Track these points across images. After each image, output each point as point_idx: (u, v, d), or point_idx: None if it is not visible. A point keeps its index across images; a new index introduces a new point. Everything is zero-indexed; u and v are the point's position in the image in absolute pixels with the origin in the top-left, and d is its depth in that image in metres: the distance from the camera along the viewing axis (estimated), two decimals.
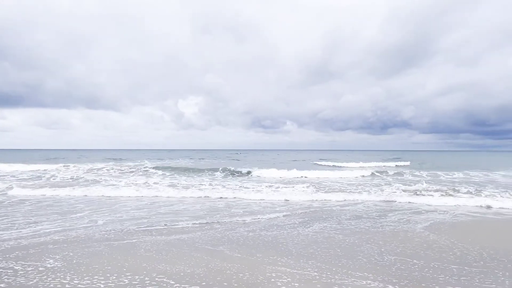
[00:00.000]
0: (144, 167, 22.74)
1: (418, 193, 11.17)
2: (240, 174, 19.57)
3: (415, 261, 4.57)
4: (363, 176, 18.72)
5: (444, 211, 8.49)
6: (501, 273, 4.12)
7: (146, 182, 15.26)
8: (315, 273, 4.08)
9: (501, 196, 10.18)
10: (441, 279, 3.95)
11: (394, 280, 3.90)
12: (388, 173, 20.03)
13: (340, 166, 29.30)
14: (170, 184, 14.70)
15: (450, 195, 10.69)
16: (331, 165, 31.71)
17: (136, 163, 29.66)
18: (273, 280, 3.88)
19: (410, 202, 9.72)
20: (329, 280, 3.86)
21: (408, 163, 32.24)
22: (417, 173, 19.95)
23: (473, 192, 11.20)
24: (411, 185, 13.32)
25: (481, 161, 39.51)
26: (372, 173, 19.63)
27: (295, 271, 4.19)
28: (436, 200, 9.73)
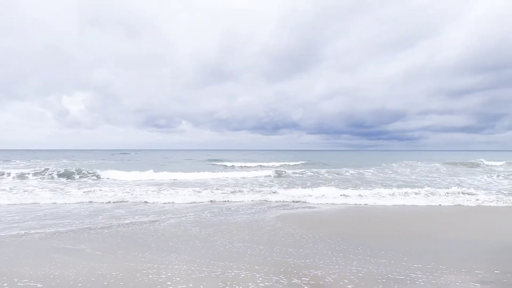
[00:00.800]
0: (17, 169, 20.14)
1: (295, 194, 12.06)
2: (100, 177, 18.73)
3: (261, 247, 5.42)
4: (255, 177, 19.90)
5: (300, 206, 9.83)
6: (329, 252, 5.12)
7: (17, 186, 14.07)
8: (185, 266, 4.45)
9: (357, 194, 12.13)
10: (290, 261, 4.67)
11: (256, 267, 4.44)
12: (275, 172, 21.28)
13: (233, 166, 31.30)
14: (46, 187, 13.94)
15: (323, 195, 11.78)
16: (226, 165, 33.47)
17: (9, 165, 27.01)
18: (151, 276, 4.09)
19: (277, 201, 10.70)
20: (203, 274, 4.19)
21: (294, 163, 34.64)
22: (303, 171, 22.33)
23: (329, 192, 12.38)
24: (296, 185, 15.02)
25: (359, 160, 46.00)
26: (258, 174, 20.84)
27: (164, 266, 4.51)
28: (301, 197, 11.25)
